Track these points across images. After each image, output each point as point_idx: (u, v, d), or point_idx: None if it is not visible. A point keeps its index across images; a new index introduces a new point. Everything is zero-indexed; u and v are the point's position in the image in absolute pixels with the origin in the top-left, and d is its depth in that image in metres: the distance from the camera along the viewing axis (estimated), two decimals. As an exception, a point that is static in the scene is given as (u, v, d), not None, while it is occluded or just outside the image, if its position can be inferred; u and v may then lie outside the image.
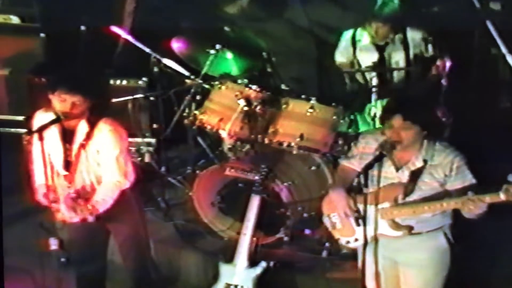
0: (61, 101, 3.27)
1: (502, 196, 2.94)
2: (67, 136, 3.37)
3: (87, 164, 3.36)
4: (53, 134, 3.38)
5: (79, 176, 3.37)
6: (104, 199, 3.35)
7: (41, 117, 3.38)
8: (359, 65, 4.44)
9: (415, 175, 3.12)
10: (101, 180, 3.39)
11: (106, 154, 3.34)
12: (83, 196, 3.36)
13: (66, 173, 3.37)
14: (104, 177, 3.38)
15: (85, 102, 3.28)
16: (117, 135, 3.36)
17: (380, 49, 4.41)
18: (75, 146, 3.35)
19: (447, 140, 3.60)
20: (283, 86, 4.37)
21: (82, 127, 3.34)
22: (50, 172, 3.34)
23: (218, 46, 4.46)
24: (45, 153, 3.27)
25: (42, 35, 4.99)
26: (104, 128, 3.34)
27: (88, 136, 3.32)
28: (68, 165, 3.37)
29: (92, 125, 3.33)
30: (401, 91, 4.30)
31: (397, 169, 3.15)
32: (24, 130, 3.39)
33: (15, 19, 5.02)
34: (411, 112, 3.04)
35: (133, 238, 3.51)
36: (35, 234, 3.75)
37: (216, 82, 4.36)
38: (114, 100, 4.59)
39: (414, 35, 4.40)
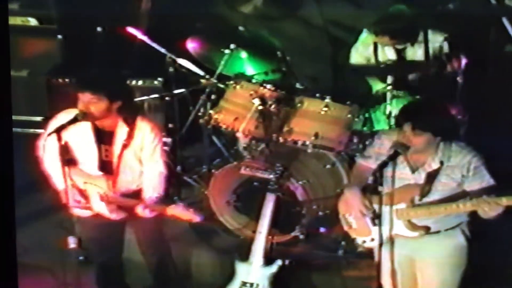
0: (79, 100, 3.33)
1: None
2: (104, 138, 3.41)
3: (129, 163, 3.42)
4: (84, 135, 3.41)
5: (122, 176, 3.42)
6: (156, 195, 3.41)
7: (62, 118, 3.41)
8: (378, 63, 4.42)
9: (432, 176, 3.11)
10: (139, 180, 3.44)
11: (150, 149, 3.43)
12: (126, 195, 3.42)
13: (101, 173, 3.41)
14: (148, 172, 3.44)
15: (101, 100, 3.31)
16: (157, 130, 3.48)
17: (399, 50, 4.39)
18: (117, 147, 3.39)
19: (463, 138, 3.57)
20: (297, 85, 4.38)
21: (121, 129, 3.40)
22: (67, 172, 3.35)
23: (232, 46, 4.47)
24: (64, 153, 3.29)
25: (59, 36, 5.05)
26: (144, 126, 3.43)
27: (130, 135, 3.39)
28: (105, 165, 3.41)
29: (131, 125, 3.40)
30: (413, 100, 4.26)
31: (413, 171, 3.14)
32: (42, 131, 3.44)
33: (33, 21, 5.09)
34: (421, 121, 3.04)
35: (153, 234, 3.56)
36: (54, 232, 3.81)
37: (231, 82, 4.38)
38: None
39: (435, 35, 4.35)
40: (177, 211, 3.38)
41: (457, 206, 3.06)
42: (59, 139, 3.27)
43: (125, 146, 3.38)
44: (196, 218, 3.41)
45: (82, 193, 3.44)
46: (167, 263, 3.70)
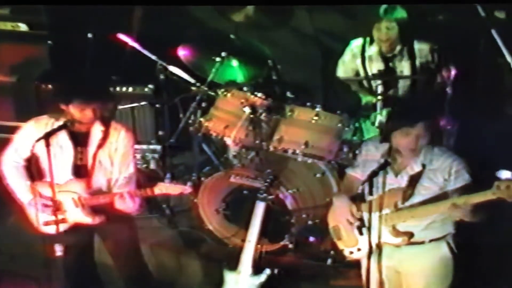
0: (80, 111, 3.32)
1: (492, 194, 2.92)
2: (79, 140, 3.39)
3: (103, 164, 3.40)
4: (61, 139, 3.38)
5: (96, 177, 3.39)
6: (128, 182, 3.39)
7: (46, 123, 3.39)
8: (366, 74, 4.45)
9: (414, 179, 3.13)
10: (110, 183, 3.41)
11: (125, 151, 3.41)
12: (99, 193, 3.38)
13: (72, 177, 3.37)
14: (122, 174, 3.40)
15: (101, 108, 3.35)
16: (130, 135, 3.48)
17: (387, 60, 4.42)
18: (92, 148, 3.38)
19: (453, 147, 3.59)
20: (288, 94, 4.39)
21: (97, 129, 3.39)
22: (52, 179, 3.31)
23: (223, 54, 4.50)
24: (52, 160, 3.24)
25: (49, 42, 5.03)
26: (119, 128, 3.44)
27: (105, 135, 3.39)
28: (79, 169, 3.38)
29: (107, 126, 3.41)
30: (418, 101, 4.30)
31: (396, 175, 3.17)
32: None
33: (23, 27, 5.06)
34: (433, 121, 3.10)
35: (123, 243, 3.52)
36: (40, 240, 3.77)
37: (222, 90, 4.39)
38: (120, 107, 4.66)
39: (421, 46, 4.41)
40: (165, 188, 3.34)
41: (437, 207, 3.06)
42: (48, 145, 3.23)
43: (100, 146, 3.38)
44: (187, 189, 3.37)
45: (55, 207, 3.33)
46: (141, 274, 3.62)
